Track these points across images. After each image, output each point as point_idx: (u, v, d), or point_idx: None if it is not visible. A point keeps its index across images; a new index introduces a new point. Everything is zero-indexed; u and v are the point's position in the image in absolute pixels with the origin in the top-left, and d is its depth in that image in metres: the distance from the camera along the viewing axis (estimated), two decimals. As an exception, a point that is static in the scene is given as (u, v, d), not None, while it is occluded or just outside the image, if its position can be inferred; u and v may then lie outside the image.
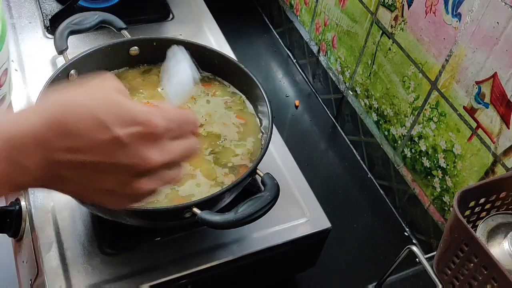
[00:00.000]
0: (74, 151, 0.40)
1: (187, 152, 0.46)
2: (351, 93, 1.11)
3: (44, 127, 0.40)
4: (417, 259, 0.66)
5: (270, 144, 0.70)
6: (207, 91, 0.82)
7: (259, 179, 0.66)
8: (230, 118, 0.78)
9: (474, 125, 0.79)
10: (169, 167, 0.45)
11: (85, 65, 0.77)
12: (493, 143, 0.76)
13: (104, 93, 0.43)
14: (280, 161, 0.85)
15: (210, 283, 0.75)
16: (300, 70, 1.30)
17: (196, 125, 0.47)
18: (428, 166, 0.91)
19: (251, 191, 0.73)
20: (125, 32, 0.81)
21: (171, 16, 1.09)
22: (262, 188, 0.64)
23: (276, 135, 0.88)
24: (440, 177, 0.88)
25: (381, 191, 1.05)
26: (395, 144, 0.99)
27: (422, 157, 0.92)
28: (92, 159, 0.40)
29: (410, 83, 0.91)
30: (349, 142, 1.14)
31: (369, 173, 1.08)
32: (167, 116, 0.44)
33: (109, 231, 0.72)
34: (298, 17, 1.28)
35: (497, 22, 0.70)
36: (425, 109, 0.88)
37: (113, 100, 0.42)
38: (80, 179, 0.42)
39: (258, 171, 0.66)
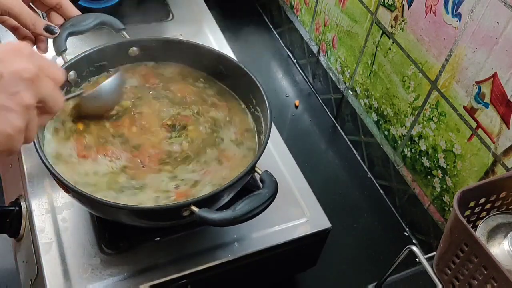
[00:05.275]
0: None
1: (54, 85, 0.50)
2: (351, 93, 1.11)
3: None
4: (417, 259, 0.66)
5: (270, 144, 0.70)
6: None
7: (258, 177, 0.66)
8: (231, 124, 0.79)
9: (474, 125, 0.79)
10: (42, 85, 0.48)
11: (84, 66, 0.77)
12: (493, 143, 0.76)
13: None
14: (280, 161, 0.84)
15: (210, 283, 0.74)
16: (300, 70, 1.30)
17: (60, 75, 0.52)
18: (428, 166, 0.91)
19: (250, 189, 0.73)
20: (124, 33, 0.81)
21: (171, 16, 1.09)
22: (261, 186, 0.64)
23: (276, 135, 0.88)
24: (440, 177, 0.88)
25: (381, 191, 1.05)
26: (395, 144, 0.99)
27: (422, 157, 0.92)
28: None
29: (410, 83, 0.91)
30: (349, 142, 1.14)
31: (369, 173, 1.08)
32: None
33: (109, 231, 0.72)
34: (298, 17, 1.28)
35: (497, 22, 0.70)
36: (425, 109, 0.88)
37: None
38: None
39: (256, 169, 0.66)
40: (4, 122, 0.46)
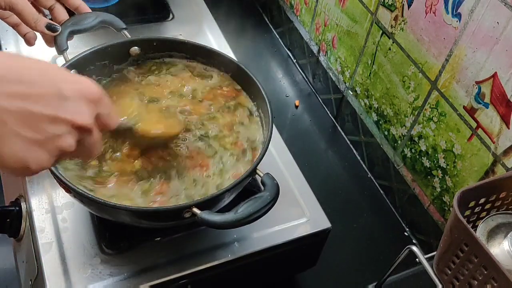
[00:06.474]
0: (21, 97, 0.41)
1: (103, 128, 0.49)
2: (351, 93, 1.11)
3: None
4: (417, 259, 0.66)
5: (270, 144, 0.70)
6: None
7: (259, 179, 0.66)
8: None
9: (474, 125, 0.79)
10: (90, 136, 0.47)
11: (85, 65, 0.77)
12: (493, 143, 0.76)
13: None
14: (280, 161, 0.85)
15: (210, 283, 0.75)
16: (300, 70, 1.30)
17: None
18: (428, 166, 0.91)
19: (251, 191, 0.73)
20: (125, 32, 0.81)
21: (171, 16, 1.09)
22: (262, 188, 0.64)
23: (276, 135, 0.88)
24: (440, 177, 0.88)
25: (381, 191, 1.05)
26: (395, 144, 0.99)
27: (422, 157, 0.92)
28: (37, 109, 0.42)
29: (410, 83, 0.91)
30: (349, 142, 1.14)
31: (369, 173, 1.08)
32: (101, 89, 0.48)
33: (109, 231, 0.72)
34: (298, 17, 1.28)
35: (497, 22, 0.70)
36: (425, 109, 0.88)
37: (57, 65, 0.48)
38: (16, 125, 0.41)
39: (258, 171, 0.66)
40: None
